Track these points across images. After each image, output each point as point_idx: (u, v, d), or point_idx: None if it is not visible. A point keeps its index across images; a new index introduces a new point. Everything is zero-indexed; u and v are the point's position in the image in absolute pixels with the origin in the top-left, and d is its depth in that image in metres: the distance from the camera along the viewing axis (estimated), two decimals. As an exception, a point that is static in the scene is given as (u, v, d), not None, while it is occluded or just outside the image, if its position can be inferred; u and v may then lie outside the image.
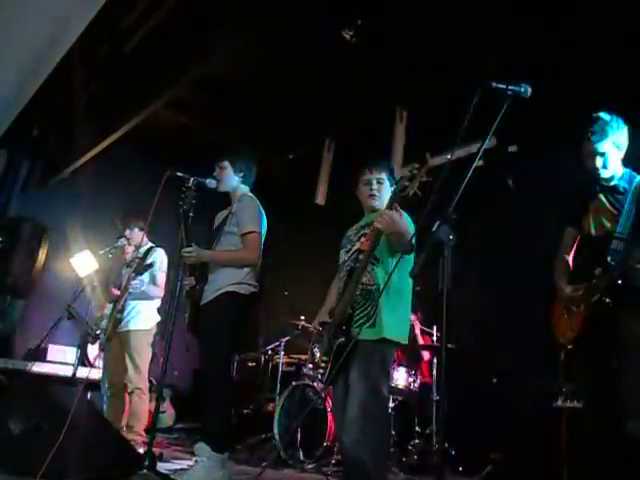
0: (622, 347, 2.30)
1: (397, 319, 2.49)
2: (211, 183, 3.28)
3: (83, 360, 4.99)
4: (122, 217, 4.41)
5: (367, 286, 2.47)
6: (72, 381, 4.35)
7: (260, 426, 4.88)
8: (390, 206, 2.33)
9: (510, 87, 2.04)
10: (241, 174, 3.35)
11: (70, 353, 5.21)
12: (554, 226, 2.80)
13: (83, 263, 4.80)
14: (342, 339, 2.40)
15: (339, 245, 2.78)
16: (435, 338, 4.68)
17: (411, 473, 4.04)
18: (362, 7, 4.22)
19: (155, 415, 2.98)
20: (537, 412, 3.08)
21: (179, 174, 3.18)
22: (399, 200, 2.30)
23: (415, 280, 2.59)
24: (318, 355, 2.59)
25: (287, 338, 5.25)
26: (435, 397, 4.40)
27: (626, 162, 2.57)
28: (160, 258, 4.23)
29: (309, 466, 4.09)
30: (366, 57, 4.61)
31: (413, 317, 4.83)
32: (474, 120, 1.85)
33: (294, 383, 4.59)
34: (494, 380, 4.40)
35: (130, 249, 4.39)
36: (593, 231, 2.54)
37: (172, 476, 3.00)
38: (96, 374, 4.35)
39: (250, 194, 3.35)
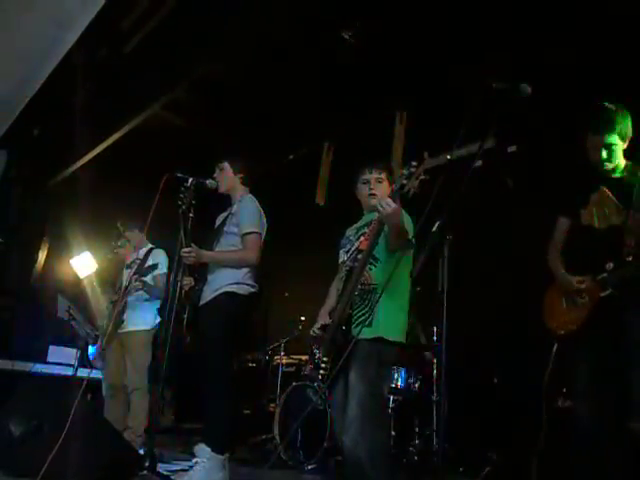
0: (632, 345, 2.23)
1: (394, 319, 2.49)
2: (211, 184, 3.28)
3: (83, 361, 4.99)
4: (122, 218, 4.41)
5: (366, 286, 2.47)
6: (72, 382, 4.35)
7: (260, 427, 4.88)
8: (394, 199, 2.31)
9: (510, 87, 2.04)
10: (240, 175, 3.35)
11: (70, 354, 5.21)
12: (554, 226, 2.77)
13: (83, 264, 4.80)
14: (341, 339, 2.40)
15: (339, 245, 2.78)
16: (435, 338, 4.67)
17: (411, 473, 4.04)
18: (361, 8, 4.22)
19: (155, 416, 2.98)
20: (537, 412, 3.07)
21: (179, 175, 3.18)
22: (398, 198, 2.29)
23: (415, 280, 2.58)
24: (318, 355, 2.58)
25: (287, 338, 5.25)
26: (435, 397, 4.40)
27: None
28: (161, 259, 4.23)
29: (309, 467, 4.09)
30: (366, 58, 4.61)
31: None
32: (474, 120, 1.85)
33: (294, 383, 4.59)
34: (494, 380, 4.40)
35: (130, 250, 4.39)
36: (597, 223, 2.46)
37: (172, 477, 3.01)
38: (96, 375, 4.36)
39: (250, 195, 3.35)
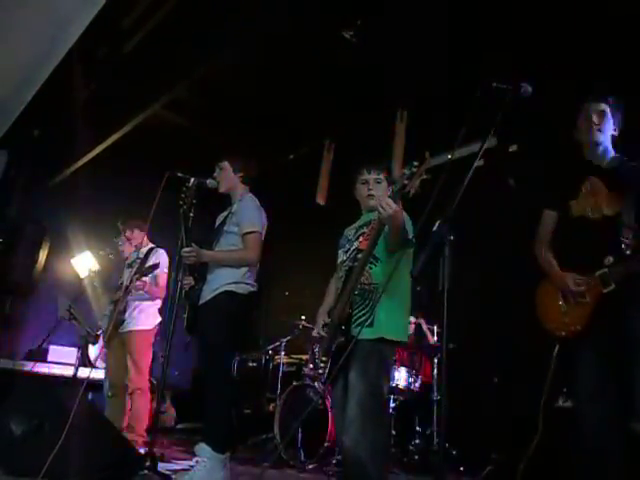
0: (634, 341, 2.17)
1: (395, 318, 2.48)
2: (211, 183, 3.28)
3: (84, 361, 4.99)
4: (123, 218, 4.42)
5: (366, 285, 2.47)
6: (73, 382, 4.36)
7: (261, 426, 4.89)
8: (393, 199, 2.30)
9: (510, 87, 2.04)
10: (241, 174, 3.35)
11: (71, 354, 5.21)
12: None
13: (84, 264, 4.81)
14: (341, 339, 2.40)
15: (337, 245, 2.79)
16: (435, 338, 4.68)
17: (411, 473, 4.04)
18: (362, 7, 4.22)
19: (156, 415, 2.99)
20: (537, 412, 3.07)
21: (179, 175, 3.18)
22: (398, 199, 2.28)
23: (415, 280, 2.58)
24: (318, 355, 2.59)
25: (288, 338, 5.26)
26: (436, 397, 4.40)
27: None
28: (161, 259, 4.23)
29: (310, 466, 4.09)
30: (366, 57, 4.61)
31: (420, 317, 4.84)
32: (474, 120, 1.85)
33: (295, 383, 4.60)
34: (495, 380, 4.40)
35: (130, 249, 4.40)
36: (589, 214, 2.38)
37: (173, 477, 3.01)
38: (97, 374, 4.37)
39: (250, 194, 3.35)
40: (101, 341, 4.23)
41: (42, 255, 5.55)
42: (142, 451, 3.29)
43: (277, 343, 5.34)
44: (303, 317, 5.10)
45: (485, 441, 4.00)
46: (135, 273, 4.00)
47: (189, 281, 3.19)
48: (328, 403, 4.12)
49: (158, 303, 4.28)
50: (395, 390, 4.37)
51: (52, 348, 5.39)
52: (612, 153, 2.47)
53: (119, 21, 4.59)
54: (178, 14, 4.23)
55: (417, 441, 4.35)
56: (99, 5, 3.56)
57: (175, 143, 6.10)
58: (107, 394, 4.12)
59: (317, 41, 4.57)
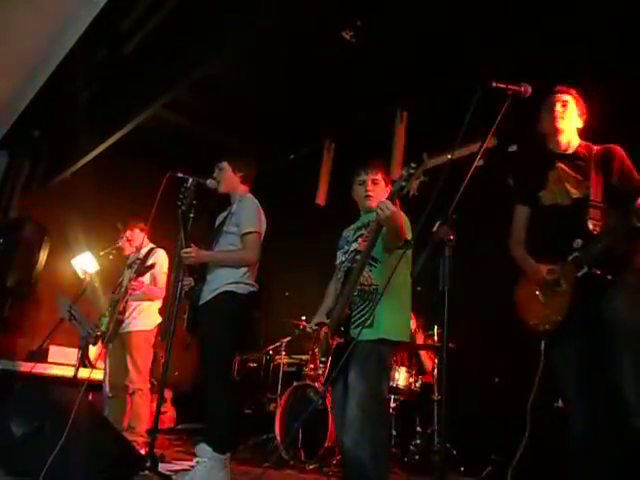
0: (613, 321, 2.09)
1: (396, 319, 2.49)
2: (211, 184, 3.28)
3: (84, 361, 4.99)
4: (123, 218, 4.42)
5: (365, 286, 2.47)
6: (73, 382, 4.35)
7: (261, 426, 4.89)
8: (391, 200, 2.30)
9: (510, 87, 2.05)
10: (240, 174, 3.34)
11: (71, 354, 5.21)
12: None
13: (84, 264, 4.80)
14: (341, 340, 2.41)
15: (336, 246, 2.79)
16: (436, 337, 4.67)
17: (412, 473, 4.04)
18: (362, 7, 4.22)
19: (156, 416, 2.99)
20: (538, 412, 3.06)
21: (179, 175, 3.17)
22: (397, 200, 2.29)
23: (415, 280, 2.58)
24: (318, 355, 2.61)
25: (288, 338, 5.26)
26: (436, 397, 4.40)
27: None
28: (161, 259, 4.23)
29: (310, 466, 4.09)
30: (366, 57, 4.61)
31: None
32: (474, 120, 1.85)
33: (295, 383, 4.60)
34: (495, 380, 4.40)
35: (130, 250, 4.40)
36: (559, 200, 2.36)
37: (174, 477, 3.01)
38: (97, 375, 4.36)
39: (250, 194, 3.35)
40: (101, 342, 4.23)
41: (42, 255, 5.55)
42: (143, 452, 3.29)
43: (277, 343, 5.34)
44: (303, 317, 5.10)
45: (486, 441, 4.00)
46: (135, 273, 4.00)
47: (189, 281, 3.19)
48: (328, 403, 4.12)
49: (158, 303, 4.28)
50: (395, 390, 4.37)
51: (52, 349, 5.38)
52: (577, 141, 2.47)
53: (119, 22, 4.59)
54: (178, 15, 4.23)
55: (418, 441, 4.35)
56: (99, 7, 3.57)
57: (175, 143, 6.10)
58: (107, 395, 4.12)
59: (317, 41, 4.57)
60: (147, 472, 2.78)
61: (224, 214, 3.37)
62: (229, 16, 4.06)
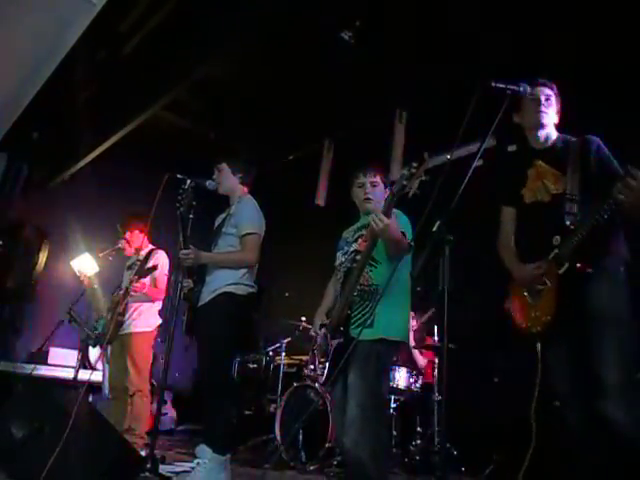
0: (595, 313, 2.07)
1: (396, 319, 2.49)
2: (210, 185, 3.28)
3: (84, 363, 4.99)
4: (122, 220, 4.41)
5: (365, 287, 2.47)
6: (73, 384, 4.35)
7: (262, 427, 4.88)
8: (387, 209, 2.30)
9: (509, 86, 2.04)
10: (239, 175, 3.34)
11: (71, 356, 5.21)
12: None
13: (83, 265, 4.80)
14: (340, 340, 2.41)
15: (336, 247, 2.79)
16: (436, 338, 4.68)
17: (413, 473, 4.04)
18: (360, 8, 4.22)
19: (157, 417, 2.98)
20: (539, 412, 3.06)
21: (178, 176, 3.17)
22: (397, 201, 2.28)
23: (415, 280, 2.58)
24: (317, 356, 2.61)
25: (288, 339, 5.25)
26: (436, 397, 4.40)
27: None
28: (161, 260, 4.22)
29: (311, 467, 4.09)
30: (365, 58, 4.61)
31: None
32: (473, 120, 1.85)
33: (295, 384, 4.59)
34: (495, 380, 4.39)
35: (130, 251, 4.39)
36: (539, 197, 2.33)
37: (174, 479, 3.01)
38: (97, 377, 4.36)
39: (249, 195, 3.35)
40: (101, 343, 4.22)
41: (42, 257, 5.55)
42: (143, 453, 3.29)
43: (277, 344, 5.34)
44: (303, 318, 5.10)
45: (486, 441, 3.99)
46: (134, 275, 4.00)
47: (188, 283, 3.19)
48: (329, 404, 4.12)
49: (158, 305, 4.27)
50: (396, 390, 4.36)
51: (52, 350, 5.38)
52: (555, 134, 2.42)
53: (118, 24, 4.59)
54: (176, 16, 4.23)
55: (418, 441, 4.35)
56: (98, 8, 3.56)
57: (174, 144, 6.11)
58: (107, 396, 4.11)
59: (316, 42, 4.57)
60: (147, 474, 2.77)
61: (223, 215, 3.37)
62: (228, 17, 4.06)
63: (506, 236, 2.50)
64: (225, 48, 4.18)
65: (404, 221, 2.54)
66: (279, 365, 5.23)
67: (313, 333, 2.65)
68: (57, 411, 2.74)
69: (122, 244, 4.38)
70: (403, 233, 2.43)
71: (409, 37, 4.39)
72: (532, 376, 2.54)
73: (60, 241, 5.82)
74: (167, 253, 4.31)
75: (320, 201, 5.94)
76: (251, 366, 5.95)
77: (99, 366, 4.48)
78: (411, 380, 4.46)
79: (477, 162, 1.88)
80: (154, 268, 3.99)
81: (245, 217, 3.17)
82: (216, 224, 3.40)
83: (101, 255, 4.53)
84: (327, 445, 4.05)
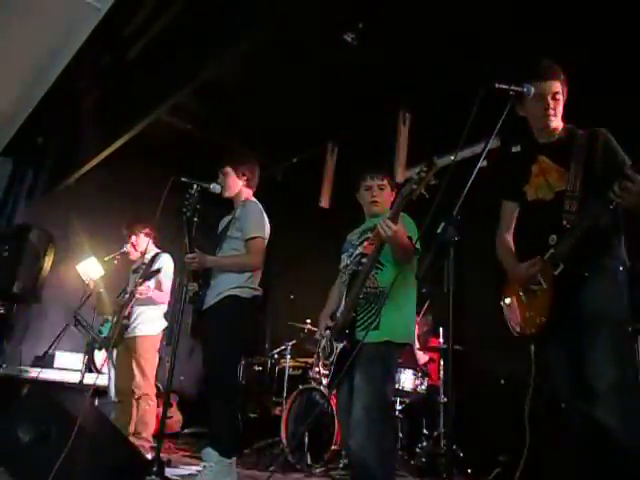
0: (590, 315, 2.02)
1: (402, 321, 2.48)
2: (215, 188, 3.28)
3: (90, 366, 5.00)
4: (128, 223, 4.43)
5: (371, 289, 2.47)
6: (80, 388, 4.36)
7: (267, 430, 4.88)
8: (395, 214, 2.29)
9: (513, 87, 2.04)
10: (244, 178, 3.35)
11: (77, 360, 5.22)
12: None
13: (89, 269, 4.81)
14: (345, 343, 2.40)
15: (341, 250, 2.79)
16: (442, 339, 4.66)
17: (419, 476, 4.03)
18: (363, 10, 4.22)
19: (162, 421, 2.98)
20: (540, 412, 3.05)
21: (183, 180, 3.18)
22: (405, 204, 2.27)
23: (420, 282, 2.58)
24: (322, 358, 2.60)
25: (293, 342, 5.25)
26: (442, 399, 4.38)
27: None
28: (166, 264, 4.23)
29: (317, 470, 4.08)
30: (368, 60, 4.61)
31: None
32: (477, 121, 1.85)
33: (301, 387, 4.59)
34: (502, 381, 4.38)
35: (135, 255, 4.40)
36: (540, 195, 2.25)
37: (180, 482, 3.01)
38: (103, 380, 4.37)
39: (253, 199, 3.35)
40: (107, 347, 4.23)
41: (47, 261, 5.56)
42: (149, 456, 3.29)
43: (282, 347, 5.34)
44: (308, 320, 5.10)
45: (493, 443, 3.98)
46: (140, 278, 4.01)
47: (193, 286, 3.19)
48: (334, 406, 4.12)
49: (163, 308, 4.28)
50: (401, 392, 4.35)
51: (58, 354, 5.39)
52: (561, 126, 2.30)
53: (122, 28, 4.61)
54: (180, 21, 4.25)
55: (424, 443, 4.33)
56: (102, 12, 3.58)
57: (179, 148, 6.12)
58: (113, 400, 4.12)
59: (319, 45, 4.58)
60: (154, 477, 2.77)
61: (228, 219, 3.37)
62: (231, 21, 4.07)
63: (504, 232, 2.44)
64: (228, 52, 4.18)
65: (410, 224, 2.54)
66: (284, 368, 5.23)
67: (318, 336, 2.65)
68: (63, 415, 2.75)
69: (128, 248, 4.39)
70: (410, 237, 2.42)
71: (412, 39, 4.39)
72: (539, 378, 2.52)
73: (65, 245, 5.84)
74: (172, 256, 4.32)
75: (324, 203, 5.94)
76: (256, 369, 5.95)
77: (105, 370, 4.49)
78: (417, 382, 4.45)
79: (481, 163, 1.87)
80: (158, 271, 4.00)
81: (250, 221, 3.17)
82: (220, 228, 3.41)
83: (106, 259, 4.55)
84: (333, 448, 4.04)
